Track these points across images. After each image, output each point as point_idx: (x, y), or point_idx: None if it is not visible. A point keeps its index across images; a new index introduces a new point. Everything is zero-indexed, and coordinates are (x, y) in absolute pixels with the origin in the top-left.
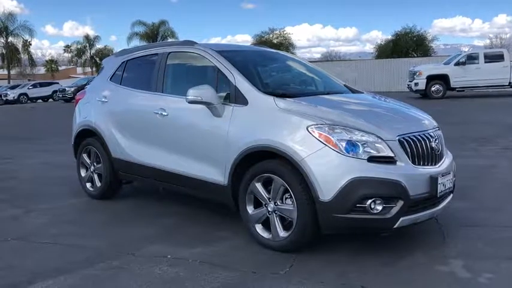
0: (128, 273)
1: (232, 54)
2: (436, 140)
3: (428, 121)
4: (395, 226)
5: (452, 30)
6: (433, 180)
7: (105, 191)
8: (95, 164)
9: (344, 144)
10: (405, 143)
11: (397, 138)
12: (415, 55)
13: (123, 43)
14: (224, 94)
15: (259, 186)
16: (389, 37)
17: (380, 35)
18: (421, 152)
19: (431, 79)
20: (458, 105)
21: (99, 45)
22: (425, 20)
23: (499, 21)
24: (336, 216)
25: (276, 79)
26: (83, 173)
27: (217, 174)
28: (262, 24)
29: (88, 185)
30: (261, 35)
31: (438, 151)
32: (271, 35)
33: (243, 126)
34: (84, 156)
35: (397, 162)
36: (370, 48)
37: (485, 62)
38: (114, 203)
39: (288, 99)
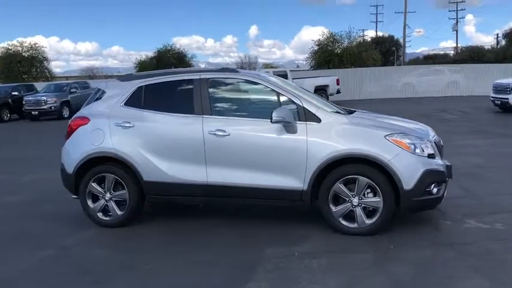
0: (290, 270)
1: (280, 82)
2: (441, 140)
3: (429, 127)
4: (441, 202)
5: (190, 48)
6: (449, 167)
7: (128, 216)
8: (111, 191)
9: (413, 146)
10: (436, 143)
11: (433, 140)
12: None
13: None
14: None
15: (342, 186)
16: (152, 54)
17: (122, 50)
18: (440, 149)
19: None
20: None
21: None
22: (165, 37)
23: (228, 41)
24: (414, 199)
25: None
26: (90, 203)
27: (296, 182)
28: None
29: (99, 214)
30: (7, 47)
31: (443, 148)
32: (20, 48)
33: (322, 139)
34: (94, 185)
35: (436, 157)
36: (113, 63)
37: None
38: (137, 229)
39: (350, 115)
